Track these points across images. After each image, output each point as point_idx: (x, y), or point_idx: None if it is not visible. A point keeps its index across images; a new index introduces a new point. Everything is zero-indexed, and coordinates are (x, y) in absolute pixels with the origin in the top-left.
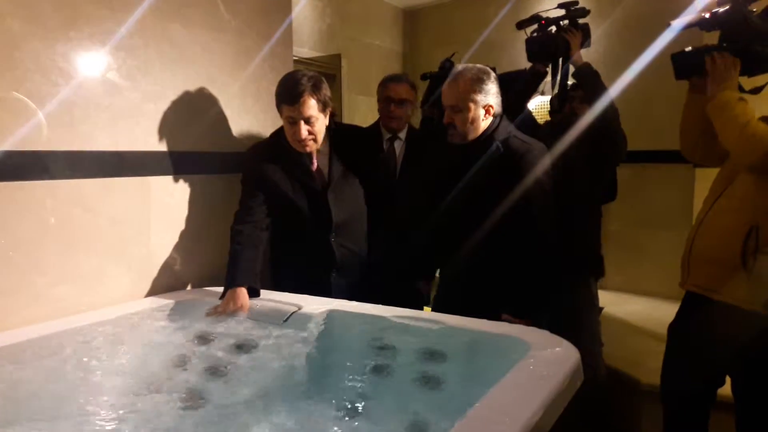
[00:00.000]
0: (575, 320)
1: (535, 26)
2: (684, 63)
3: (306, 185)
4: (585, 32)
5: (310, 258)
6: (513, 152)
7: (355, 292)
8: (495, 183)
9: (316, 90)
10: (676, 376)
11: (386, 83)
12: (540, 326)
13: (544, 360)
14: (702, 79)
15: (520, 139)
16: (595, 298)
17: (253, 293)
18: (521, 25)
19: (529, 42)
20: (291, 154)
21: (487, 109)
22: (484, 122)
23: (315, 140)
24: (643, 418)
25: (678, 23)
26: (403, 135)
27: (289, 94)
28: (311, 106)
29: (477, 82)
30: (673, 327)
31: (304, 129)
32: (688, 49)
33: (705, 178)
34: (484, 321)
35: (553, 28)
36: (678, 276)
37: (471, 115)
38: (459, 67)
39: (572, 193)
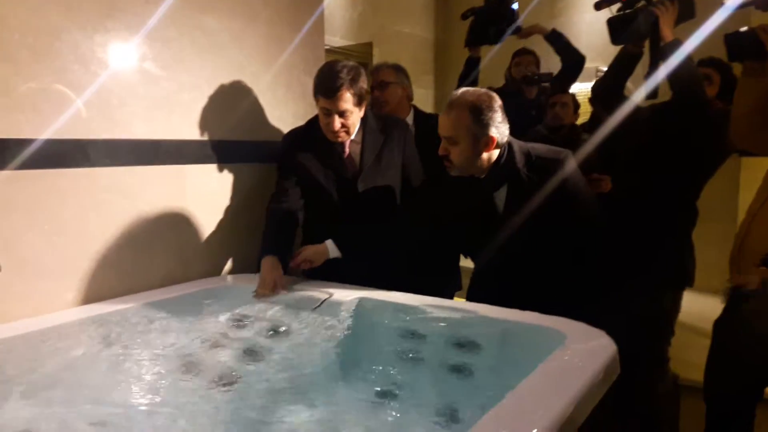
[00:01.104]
0: (656, 327)
1: (618, 4)
2: (739, 44)
3: (337, 172)
4: (684, 3)
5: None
6: (544, 174)
7: (381, 280)
8: (538, 208)
9: (353, 83)
10: (721, 375)
11: (375, 71)
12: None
13: (581, 351)
14: (759, 63)
15: (543, 157)
16: (675, 305)
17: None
18: (599, 5)
19: (611, 21)
20: (324, 141)
21: (488, 141)
22: (485, 155)
23: (348, 132)
24: (683, 414)
25: (732, 2)
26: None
27: (325, 87)
28: (347, 100)
29: (475, 113)
30: (720, 323)
31: (337, 122)
32: (744, 29)
33: (751, 168)
34: (518, 311)
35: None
36: (721, 269)
37: (468, 149)
38: (458, 91)
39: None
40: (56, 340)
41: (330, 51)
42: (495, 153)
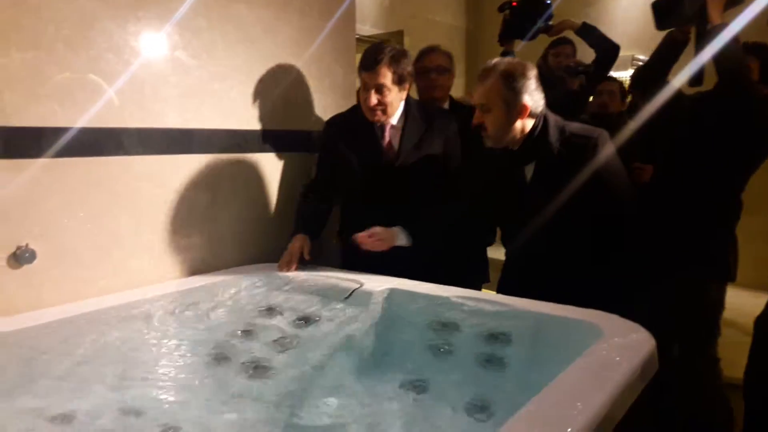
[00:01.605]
0: (699, 325)
1: None
2: None
3: (375, 158)
4: None
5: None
6: (578, 152)
7: (418, 267)
8: (567, 186)
9: (394, 61)
10: (762, 374)
11: (421, 56)
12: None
13: (618, 346)
14: None
15: (579, 134)
16: (718, 302)
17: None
18: None
19: (655, 6)
20: (364, 127)
21: (521, 109)
22: (519, 124)
23: (384, 111)
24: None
25: None
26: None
27: (366, 60)
28: (385, 75)
29: (508, 79)
30: (762, 320)
31: (373, 97)
32: None
33: None
34: (551, 304)
35: None
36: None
37: (501, 115)
38: (492, 60)
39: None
40: (89, 327)
41: (360, 40)
42: (529, 123)
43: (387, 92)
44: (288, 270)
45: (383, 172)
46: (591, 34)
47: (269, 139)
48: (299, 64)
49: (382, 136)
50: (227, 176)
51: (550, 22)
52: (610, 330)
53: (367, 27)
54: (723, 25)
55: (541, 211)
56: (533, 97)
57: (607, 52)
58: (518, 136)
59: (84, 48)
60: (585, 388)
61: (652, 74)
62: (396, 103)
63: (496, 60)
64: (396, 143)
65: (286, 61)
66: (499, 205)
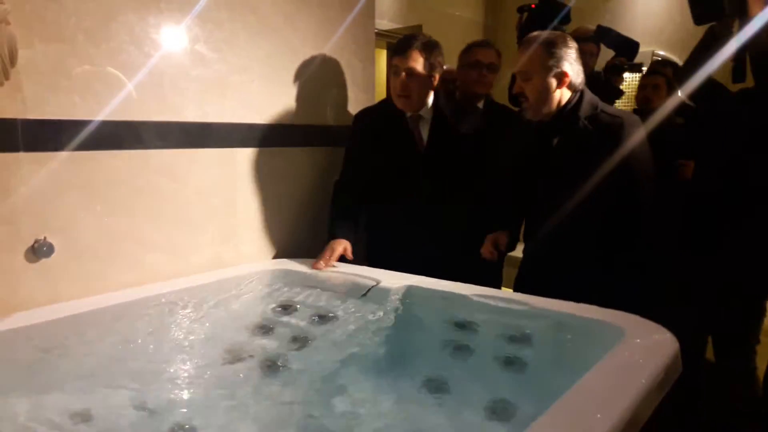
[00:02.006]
0: (737, 334)
1: None
2: None
3: (406, 151)
4: None
5: (406, 223)
6: (603, 129)
7: (447, 260)
8: (586, 164)
9: (426, 48)
10: None
11: (473, 48)
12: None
13: (641, 347)
14: None
15: (610, 114)
16: (760, 309)
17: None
18: None
19: (691, 1)
20: (395, 120)
21: (561, 77)
22: (558, 93)
23: (410, 97)
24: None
25: None
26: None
27: (399, 45)
28: (416, 60)
29: (549, 46)
30: None
31: (408, 80)
32: None
33: None
34: (572, 303)
35: None
36: None
37: (541, 83)
38: (533, 33)
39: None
40: (105, 323)
41: (379, 34)
42: (566, 95)
43: (416, 78)
44: (324, 267)
45: (414, 165)
46: (607, 36)
47: (289, 133)
48: (319, 57)
49: (413, 130)
50: (246, 171)
51: (565, 27)
52: (633, 331)
53: (385, 21)
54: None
55: (561, 187)
56: (573, 68)
57: (627, 50)
58: (555, 107)
59: (105, 40)
60: (608, 392)
61: (694, 72)
62: (425, 91)
63: (538, 32)
64: (425, 137)
65: (306, 54)
66: (525, 184)
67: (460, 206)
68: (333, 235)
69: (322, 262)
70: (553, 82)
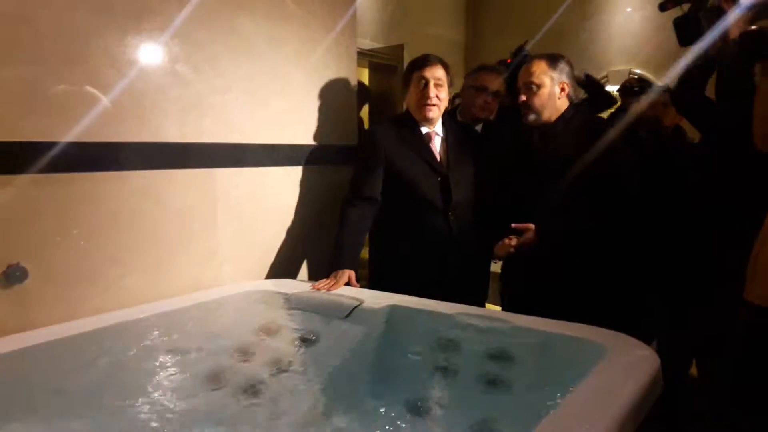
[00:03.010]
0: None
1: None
2: (755, 43)
3: (428, 163)
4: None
5: (429, 235)
6: (587, 126)
7: (469, 272)
8: (582, 162)
9: (445, 65)
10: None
11: (481, 73)
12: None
13: (623, 365)
14: None
15: (595, 118)
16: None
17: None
18: (664, 6)
19: (676, 22)
20: (413, 135)
21: (562, 87)
22: (560, 102)
23: (439, 107)
24: None
25: (747, 1)
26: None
27: (423, 59)
28: (441, 70)
29: (552, 60)
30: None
31: (433, 90)
32: (753, 28)
33: None
34: (555, 321)
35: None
36: None
37: (547, 91)
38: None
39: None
40: (81, 349)
41: (361, 53)
42: (564, 104)
43: (442, 89)
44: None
45: (433, 178)
46: (592, 83)
47: (270, 152)
48: (301, 76)
49: (431, 141)
50: (227, 191)
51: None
52: (615, 348)
53: (366, 41)
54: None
55: (560, 187)
56: (570, 81)
57: (604, 101)
58: (554, 116)
59: (81, 61)
60: (591, 411)
61: (688, 94)
62: (446, 104)
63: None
64: (443, 151)
65: (288, 73)
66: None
67: (476, 219)
68: (338, 264)
69: (322, 287)
70: (557, 90)
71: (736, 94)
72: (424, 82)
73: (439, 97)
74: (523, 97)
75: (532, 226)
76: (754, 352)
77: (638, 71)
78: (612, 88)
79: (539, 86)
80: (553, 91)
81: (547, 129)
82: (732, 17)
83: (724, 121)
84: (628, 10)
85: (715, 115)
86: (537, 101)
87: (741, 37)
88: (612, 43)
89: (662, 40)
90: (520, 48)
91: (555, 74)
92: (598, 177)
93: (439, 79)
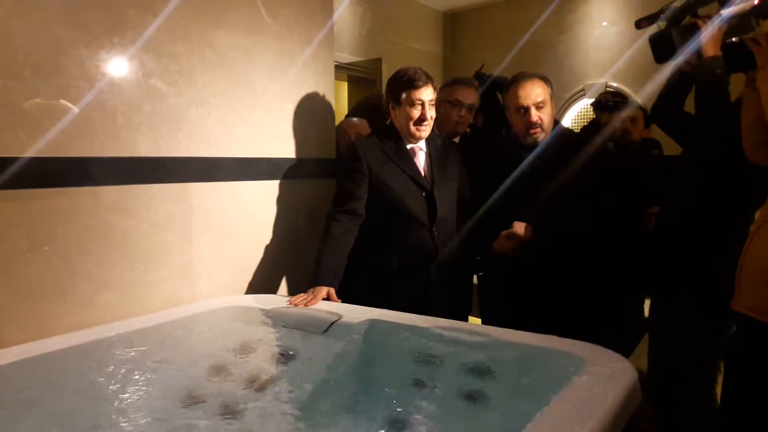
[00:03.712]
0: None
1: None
2: (736, 55)
3: (412, 178)
4: (741, 19)
5: (413, 250)
6: (567, 139)
7: (452, 287)
8: (561, 176)
9: (432, 82)
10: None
11: (455, 86)
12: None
13: (601, 377)
14: (756, 74)
15: (580, 137)
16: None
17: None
18: (640, 24)
19: (651, 39)
20: (400, 151)
21: (554, 104)
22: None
23: (430, 126)
24: None
25: (728, 12)
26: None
27: (416, 79)
28: (431, 89)
29: (545, 79)
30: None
31: (430, 111)
32: (734, 39)
33: None
34: (533, 334)
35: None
36: None
37: (550, 109)
38: (521, 72)
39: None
40: (53, 367)
41: (339, 67)
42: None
43: (433, 107)
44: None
45: (417, 194)
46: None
47: (246, 166)
48: (278, 90)
49: (415, 159)
50: (202, 206)
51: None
52: (592, 361)
53: (345, 54)
54: (714, 59)
55: (532, 195)
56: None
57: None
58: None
59: (54, 75)
60: (568, 424)
61: (667, 109)
62: (432, 122)
63: (523, 72)
64: (427, 166)
65: (264, 86)
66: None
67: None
68: (318, 279)
69: (299, 302)
70: (553, 109)
71: (713, 109)
72: (419, 103)
73: (432, 116)
74: (535, 117)
75: (524, 224)
76: (741, 361)
77: (614, 84)
78: (587, 102)
79: (545, 104)
80: (553, 111)
81: (540, 146)
82: (705, 34)
83: (703, 136)
84: (604, 24)
85: (694, 130)
86: (546, 119)
87: (724, 48)
88: (588, 56)
89: (637, 53)
90: (480, 73)
91: (550, 92)
92: (581, 190)
93: (431, 100)
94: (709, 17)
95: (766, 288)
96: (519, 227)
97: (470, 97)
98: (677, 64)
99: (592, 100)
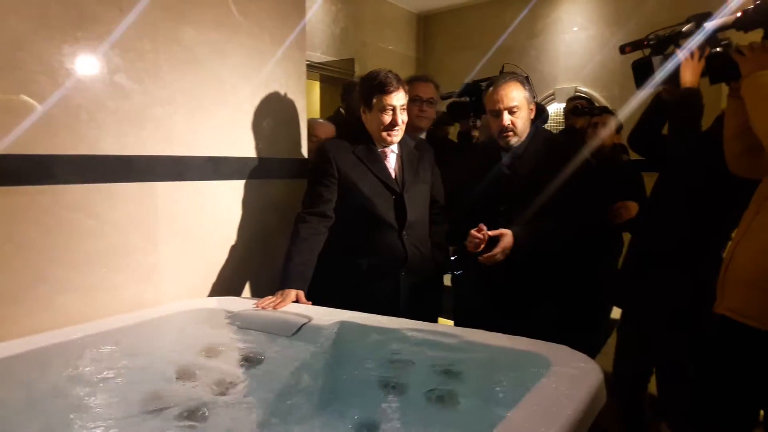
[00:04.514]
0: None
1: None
2: (719, 66)
3: (382, 181)
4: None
5: (382, 253)
6: (557, 150)
7: (422, 290)
8: (546, 173)
9: (404, 85)
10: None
11: (412, 83)
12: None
13: (567, 378)
14: (739, 83)
15: (556, 136)
16: None
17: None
18: (624, 49)
19: (634, 66)
20: (371, 153)
21: (532, 108)
22: (529, 122)
23: (402, 130)
24: None
25: (711, 25)
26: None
27: (388, 83)
28: (403, 94)
29: (524, 83)
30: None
31: (401, 115)
32: (717, 50)
33: None
34: (502, 335)
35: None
36: None
37: (525, 114)
38: (499, 76)
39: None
40: (11, 371)
41: (311, 66)
42: (529, 123)
43: (405, 111)
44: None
45: (388, 195)
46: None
47: (215, 166)
48: (248, 88)
49: (386, 158)
50: (168, 206)
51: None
52: (559, 362)
53: (318, 54)
54: (690, 91)
55: (513, 198)
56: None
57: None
58: (525, 135)
59: (11, 70)
60: (535, 424)
61: (645, 135)
62: (404, 125)
63: (501, 74)
64: (398, 168)
65: (234, 85)
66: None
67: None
68: (286, 282)
69: (267, 305)
70: (530, 113)
71: (685, 132)
72: (390, 109)
73: (403, 121)
74: (507, 121)
75: (508, 231)
76: (721, 362)
77: (584, 89)
78: (558, 106)
79: (520, 109)
80: (528, 114)
81: (518, 150)
82: (685, 63)
83: (674, 150)
84: (575, 29)
85: (668, 154)
86: (520, 124)
87: (707, 59)
88: (558, 61)
89: (606, 59)
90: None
91: (527, 95)
92: (564, 195)
93: (403, 105)
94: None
95: (749, 291)
96: (506, 241)
97: (428, 91)
98: (656, 92)
99: (563, 104)
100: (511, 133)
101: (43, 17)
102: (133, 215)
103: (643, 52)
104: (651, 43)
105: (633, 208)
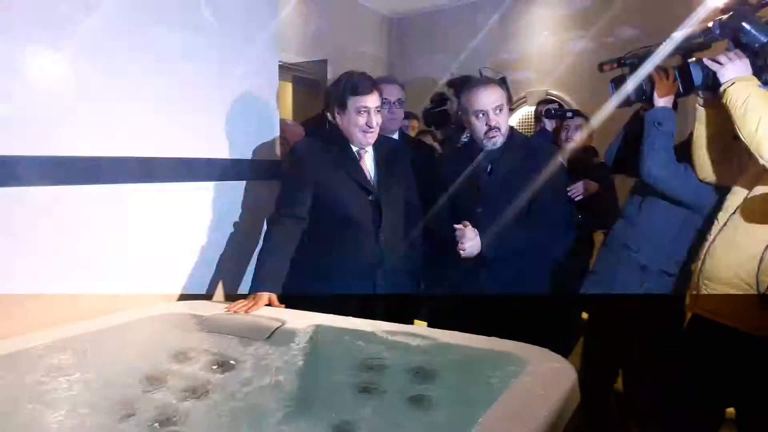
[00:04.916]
0: None
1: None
2: (695, 75)
3: (358, 182)
4: (685, 73)
5: (358, 256)
6: (535, 152)
7: (398, 291)
8: (523, 176)
9: (378, 87)
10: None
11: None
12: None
13: (541, 378)
14: (712, 93)
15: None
16: None
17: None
18: (601, 67)
19: (612, 83)
20: (344, 154)
21: (511, 107)
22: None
23: (376, 132)
24: None
25: (679, 35)
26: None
27: (363, 84)
28: (377, 95)
29: (503, 84)
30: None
31: (377, 117)
32: (691, 60)
33: None
34: (477, 336)
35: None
36: None
37: (507, 113)
38: (476, 77)
39: None
40: None
41: (283, 67)
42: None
43: (380, 113)
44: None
45: (362, 196)
46: None
47: (185, 167)
48: (220, 89)
49: (360, 159)
50: (137, 208)
51: None
52: (534, 362)
53: (290, 55)
54: (662, 110)
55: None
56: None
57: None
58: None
59: None
60: (510, 425)
61: (628, 153)
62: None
63: (478, 77)
64: (372, 168)
65: (206, 85)
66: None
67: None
68: (259, 286)
69: (238, 309)
70: (510, 113)
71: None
72: (365, 111)
73: (378, 122)
74: (494, 122)
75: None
76: (693, 360)
77: (554, 92)
78: (529, 109)
79: (503, 109)
80: (509, 115)
81: (495, 153)
82: (658, 82)
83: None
84: (545, 33)
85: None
86: (503, 124)
87: (680, 69)
88: (531, 65)
89: (575, 63)
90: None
91: (507, 95)
92: (540, 196)
93: (377, 106)
94: (665, 70)
95: (724, 290)
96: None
97: (395, 93)
98: (634, 109)
99: (533, 107)
100: (498, 133)
101: (6, 13)
102: (102, 218)
103: (622, 71)
104: (628, 62)
105: (593, 187)
